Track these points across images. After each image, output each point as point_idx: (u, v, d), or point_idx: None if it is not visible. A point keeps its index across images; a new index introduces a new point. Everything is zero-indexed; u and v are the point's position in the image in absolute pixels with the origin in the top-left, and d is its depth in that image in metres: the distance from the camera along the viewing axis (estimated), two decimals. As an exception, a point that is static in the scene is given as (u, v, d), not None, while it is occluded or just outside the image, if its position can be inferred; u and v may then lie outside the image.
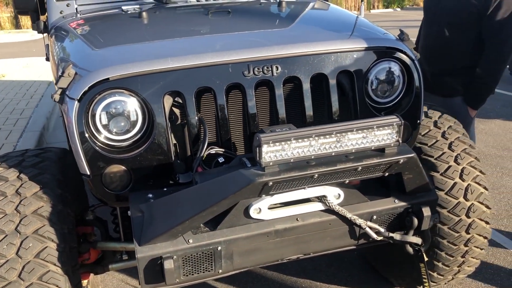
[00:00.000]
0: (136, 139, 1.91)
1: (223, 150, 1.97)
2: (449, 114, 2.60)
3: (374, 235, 1.93)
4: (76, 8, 2.79)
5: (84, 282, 2.33)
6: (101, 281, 3.00)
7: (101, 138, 1.87)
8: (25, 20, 18.37)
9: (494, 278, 2.93)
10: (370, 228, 1.91)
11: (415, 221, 1.95)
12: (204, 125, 1.94)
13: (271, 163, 1.53)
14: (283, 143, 1.52)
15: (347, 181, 1.74)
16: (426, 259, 2.22)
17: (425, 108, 2.53)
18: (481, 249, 2.35)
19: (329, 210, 1.86)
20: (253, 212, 1.78)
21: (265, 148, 1.51)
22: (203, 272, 1.82)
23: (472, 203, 2.24)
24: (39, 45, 12.97)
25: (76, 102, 1.79)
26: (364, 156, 1.63)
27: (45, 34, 3.05)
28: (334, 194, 1.85)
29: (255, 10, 2.71)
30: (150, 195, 1.86)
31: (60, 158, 2.12)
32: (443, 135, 2.38)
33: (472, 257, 2.37)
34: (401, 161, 1.67)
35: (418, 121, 2.21)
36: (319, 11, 2.75)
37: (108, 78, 1.81)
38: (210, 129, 1.99)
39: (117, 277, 3.05)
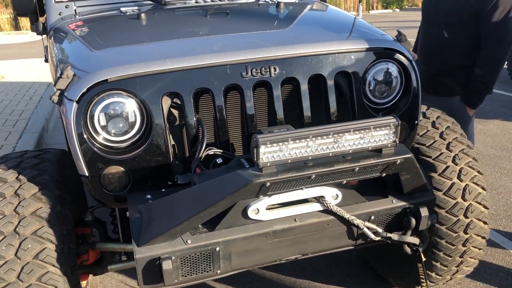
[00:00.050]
0: (134, 140, 1.91)
1: (221, 151, 1.97)
2: (447, 114, 2.61)
3: (372, 236, 1.94)
4: (75, 10, 2.79)
5: (83, 283, 2.34)
6: (100, 282, 3.00)
7: (100, 139, 1.87)
8: (25, 21, 18.39)
9: (493, 278, 2.94)
10: (368, 228, 1.92)
11: (413, 221, 1.96)
12: (203, 126, 1.94)
13: (268, 164, 1.53)
14: (280, 144, 1.53)
15: (345, 181, 1.75)
16: (424, 259, 2.23)
17: (423, 109, 2.54)
18: (479, 249, 2.36)
19: (327, 211, 1.87)
20: (251, 213, 1.79)
21: (262, 149, 1.51)
22: (202, 273, 1.82)
23: (470, 203, 2.24)
24: (38, 46, 12.98)
25: (75, 103, 1.80)
26: (361, 156, 1.63)
27: (44, 36, 3.05)
28: (332, 195, 1.86)
29: (253, 11, 2.72)
30: (149, 196, 1.87)
31: (59, 159, 2.12)
32: (441, 136, 2.38)
33: (470, 257, 2.37)
34: (398, 161, 1.68)
35: (416, 121, 2.21)
36: (317, 12, 2.75)
37: (106, 80, 1.82)
38: (208, 130, 2.00)
39: (116, 278, 3.06)
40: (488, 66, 2.94)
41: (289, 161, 1.56)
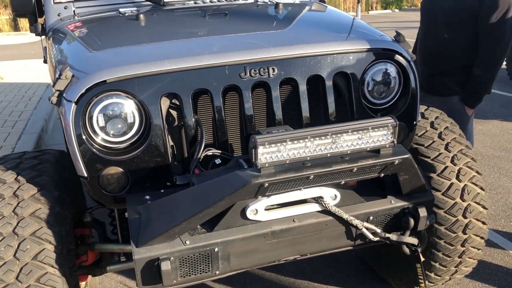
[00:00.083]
0: (133, 141, 1.91)
1: (220, 151, 1.97)
2: (446, 113, 2.62)
3: (370, 236, 1.94)
4: (74, 11, 2.79)
5: (82, 284, 2.34)
6: (99, 283, 3.00)
7: (98, 140, 1.87)
8: (24, 22, 18.39)
9: (492, 278, 2.94)
10: (367, 228, 1.92)
11: (412, 221, 1.96)
12: (201, 126, 1.94)
13: (266, 165, 1.54)
14: (278, 144, 1.53)
15: (343, 182, 1.75)
16: (422, 259, 2.23)
17: (422, 109, 2.54)
18: (478, 249, 2.36)
19: (326, 211, 1.87)
20: (249, 213, 1.79)
21: (260, 150, 1.51)
22: (200, 273, 1.83)
23: (469, 204, 2.25)
24: (37, 47, 12.97)
25: (73, 104, 1.80)
26: (359, 157, 1.64)
27: (43, 37, 3.05)
28: (330, 195, 1.86)
29: (252, 12, 2.72)
30: (147, 197, 1.87)
31: (57, 160, 2.12)
32: (439, 136, 2.39)
33: (469, 258, 2.38)
34: (396, 162, 1.68)
35: (415, 122, 2.22)
36: (315, 12, 2.75)
37: (105, 80, 1.82)
38: (207, 131, 2.00)
39: (115, 279, 3.06)
40: (486, 66, 2.96)
41: (287, 162, 1.56)
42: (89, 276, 2.34)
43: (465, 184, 2.25)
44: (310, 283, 2.95)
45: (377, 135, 1.63)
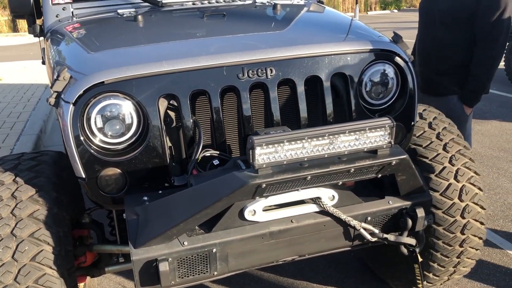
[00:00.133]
0: (131, 142, 1.91)
1: (218, 152, 1.97)
2: (445, 113, 2.63)
3: (368, 236, 1.94)
4: (72, 12, 2.78)
5: (81, 285, 2.34)
6: (98, 284, 3.00)
7: (96, 141, 1.87)
8: (23, 23, 18.37)
9: (490, 279, 2.94)
10: (365, 229, 1.92)
11: (409, 222, 1.96)
12: (199, 127, 1.95)
13: (264, 165, 1.54)
14: (276, 145, 1.53)
15: (341, 182, 1.75)
16: (420, 260, 2.23)
17: (420, 110, 2.55)
18: (476, 249, 2.36)
19: (324, 212, 1.87)
20: (247, 214, 1.79)
21: (258, 150, 1.52)
22: (199, 274, 1.83)
23: (467, 204, 2.25)
24: (36, 48, 12.94)
25: (71, 105, 1.80)
26: (356, 157, 1.64)
27: (41, 38, 3.05)
28: (328, 196, 1.86)
29: (250, 13, 2.72)
30: (145, 198, 1.87)
31: (55, 162, 2.13)
32: (437, 136, 2.39)
33: (467, 258, 2.38)
34: (394, 162, 1.69)
35: (412, 122, 2.22)
36: (314, 13, 2.76)
37: (103, 82, 1.82)
38: (205, 132, 2.01)
39: (114, 280, 3.06)
40: (484, 65, 2.97)
41: (284, 163, 1.57)
42: (88, 277, 2.34)
43: (463, 185, 2.26)
44: (309, 284, 2.95)
45: (375, 135, 1.63)
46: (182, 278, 1.80)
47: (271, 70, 1.96)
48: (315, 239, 1.92)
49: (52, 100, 1.86)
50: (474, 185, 2.28)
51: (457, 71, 3.10)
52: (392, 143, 1.66)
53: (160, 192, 1.92)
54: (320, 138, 1.57)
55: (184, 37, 2.25)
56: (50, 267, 1.78)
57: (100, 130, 1.87)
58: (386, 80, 2.16)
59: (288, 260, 2.00)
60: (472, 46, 3.02)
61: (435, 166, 2.28)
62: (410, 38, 4.13)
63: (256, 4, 2.85)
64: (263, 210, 1.81)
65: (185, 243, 1.75)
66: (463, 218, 2.25)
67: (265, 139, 1.52)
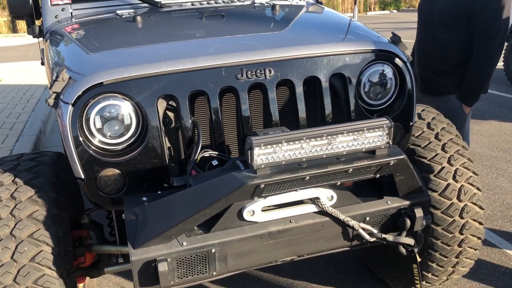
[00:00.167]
0: (130, 142, 1.92)
1: (217, 153, 1.98)
2: (444, 113, 2.64)
3: (367, 236, 1.95)
4: (71, 13, 2.79)
5: (80, 286, 2.34)
6: (97, 285, 3.00)
7: (95, 142, 1.88)
8: (22, 24, 18.35)
9: (489, 279, 2.95)
10: (363, 229, 1.93)
11: (408, 222, 1.97)
12: (198, 128, 1.95)
13: (262, 166, 1.54)
14: (274, 145, 1.54)
15: (339, 183, 1.75)
16: (419, 260, 2.23)
17: (418, 110, 2.55)
18: (475, 249, 2.37)
19: (322, 212, 1.88)
20: (246, 215, 1.80)
21: (256, 151, 1.52)
22: (198, 275, 1.83)
23: (466, 204, 2.25)
24: (36, 49, 12.95)
25: (70, 106, 1.81)
26: (354, 158, 1.64)
27: (41, 39, 3.06)
28: (327, 196, 1.86)
29: (249, 13, 2.73)
30: (144, 198, 1.88)
31: (55, 162, 2.13)
32: (436, 137, 2.40)
33: (466, 258, 2.38)
34: (392, 162, 1.69)
35: (411, 123, 2.22)
36: (312, 14, 2.76)
37: (102, 82, 1.83)
38: (204, 132, 2.01)
39: (113, 281, 3.06)
40: (482, 64, 2.99)
41: (283, 163, 1.57)
42: (87, 278, 2.34)
43: (462, 185, 2.26)
44: (308, 284, 2.96)
45: (373, 136, 1.63)
46: (181, 278, 1.80)
47: (269, 70, 1.97)
48: (313, 239, 1.93)
49: (51, 101, 1.87)
50: (473, 185, 2.28)
51: (457, 71, 3.11)
52: (390, 143, 1.67)
53: (159, 192, 1.92)
54: (318, 139, 1.58)
55: (183, 37, 2.25)
56: (50, 268, 1.78)
57: (99, 130, 1.87)
58: (385, 80, 2.16)
59: (287, 261, 2.01)
60: (470, 45, 3.03)
61: (433, 166, 2.28)
62: (409, 39, 4.14)
63: (255, 5, 2.86)
64: (262, 211, 1.81)
65: (184, 243, 1.75)
66: (462, 218, 2.25)
67: (263, 139, 1.52)
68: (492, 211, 3.73)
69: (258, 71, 1.96)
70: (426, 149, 2.34)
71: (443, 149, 2.34)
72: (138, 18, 2.41)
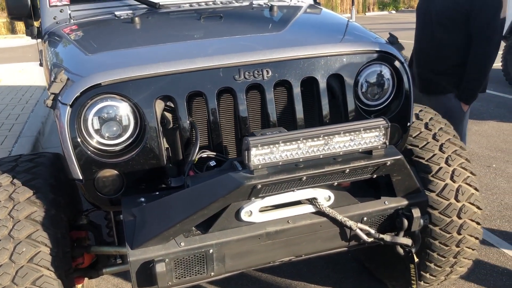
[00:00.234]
0: (128, 143, 1.92)
1: (215, 153, 1.98)
2: (442, 112, 2.65)
3: (364, 237, 1.95)
4: (70, 14, 2.79)
5: (78, 287, 2.34)
6: (96, 286, 3.01)
7: (93, 143, 1.88)
8: (21, 25, 18.34)
9: (487, 279, 2.95)
10: (361, 229, 1.93)
11: (405, 222, 1.97)
12: (196, 129, 1.95)
13: (259, 166, 1.55)
14: (271, 146, 1.54)
15: (336, 183, 1.76)
16: (417, 260, 2.23)
17: (416, 110, 2.56)
18: (473, 249, 2.37)
19: (320, 212, 1.88)
20: (244, 215, 1.80)
21: (253, 151, 1.52)
22: (196, 275, 1.83)
23: (463, 204, 2.26)
24: (34, 50, 12.94)
25: (68, 107, 1.81)
26: (351, 158, 1.65)
27: (39, 40, 3.06)
28: (324, 196, 1.87)
29: (247, 14, 2.73)
30: (142, 199, 1.88)
31: (53, 163, 2.13)
32: (434, 137, 2.40)
33: (464, 258, 2.39)
34: (388, 163, 1.69)
35: (408, 123, 2.23)
36: (310, 15, 2.77)
37: (100, 83, 1.83)
38: (202, 133, 2.01)
39: (112, 282, 3.06)
40: (479, 63, 3.02)
41: (280, 163, 1.57)
42: (85, 279, 2.34)
43: (459, 185, 2.27)
44: (307, 284, 2.96)
45: (369, 136, 1.64)
46: (179, 279, 1.80)
47: (267, 71, 1.97)
48: (311, 239, 1.93)
49: (49, 102, 1.87)
50: (470, 185, 2.29)
51: (456, 71, 3.13)
52: (387, 143, 1.67)
53: (157, 193, 1.92)
54: (315, 139, 1.58)
55: (181, 38, 2.25)
56: (48, 269, 1.78)
57: (97, 131, 1.88)
58: (382, 81, 2.17)
59: (285, 261, 2.01)
60: (468, 45, 3.05)
61: (431, 167, 2.29)
62: (408, 39, 4.15)
63: (253, 6, 2.86)
64: (260, 211, 1.82)
65: (182, 243, 1.76)
66: (460, 218, 2.26)
67: (260, 140, 1.52)
68: (490, 211, 3.74)
69: (256, 71, 1.96)
70: (423, 149, 2.35)
71: (440, 149, 2.34)
72: (136, 19, 2.41)
